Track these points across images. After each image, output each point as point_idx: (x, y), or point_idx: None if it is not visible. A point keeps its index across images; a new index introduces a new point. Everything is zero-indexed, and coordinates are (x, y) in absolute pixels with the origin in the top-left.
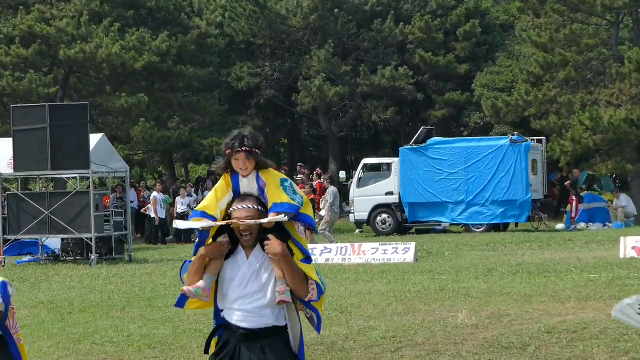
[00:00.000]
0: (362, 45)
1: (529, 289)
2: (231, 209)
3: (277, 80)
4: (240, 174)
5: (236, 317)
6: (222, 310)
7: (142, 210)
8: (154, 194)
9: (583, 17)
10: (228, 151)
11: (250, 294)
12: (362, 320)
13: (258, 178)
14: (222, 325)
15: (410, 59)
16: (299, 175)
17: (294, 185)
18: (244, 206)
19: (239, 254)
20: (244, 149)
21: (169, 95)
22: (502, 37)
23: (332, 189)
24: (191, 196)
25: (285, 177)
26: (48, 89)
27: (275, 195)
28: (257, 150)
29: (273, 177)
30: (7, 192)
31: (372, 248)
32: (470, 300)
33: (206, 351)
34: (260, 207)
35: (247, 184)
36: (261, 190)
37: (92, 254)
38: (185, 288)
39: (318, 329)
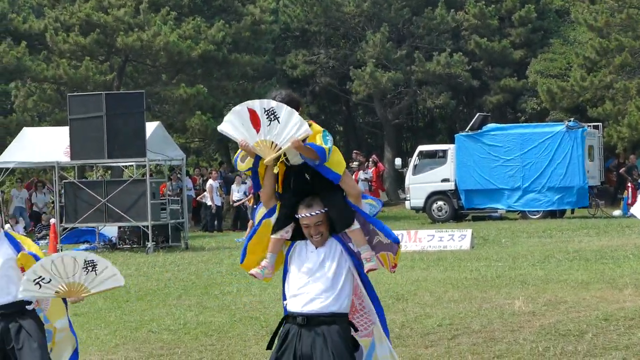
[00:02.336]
0: (416, 31)
1: (585, 275)
2: (299, 215)
3: (332, 67)
4: None
5: (299, 303)
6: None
7: (198, 198)
8: (210, 181)
9: (639, 2)
10: None
11: (316, 280)
12: (418, 307)
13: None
14: (285, 319)
15: (465, 45)
16: (354, 162)
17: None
18: (312, 213)
19: (307, 245)
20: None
21: (224, 83)
22: (557, 22)
23: None
24: (245, 183)
25: (326, 131)
26: (104, 77)
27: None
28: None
29: (315, 131)
30: (63, 181)
31: (428, 235)
32: (526, 287)
33: (269, 346)
34: (325, 210)
35: None
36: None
37: (148, 241)
38: (253, 271)
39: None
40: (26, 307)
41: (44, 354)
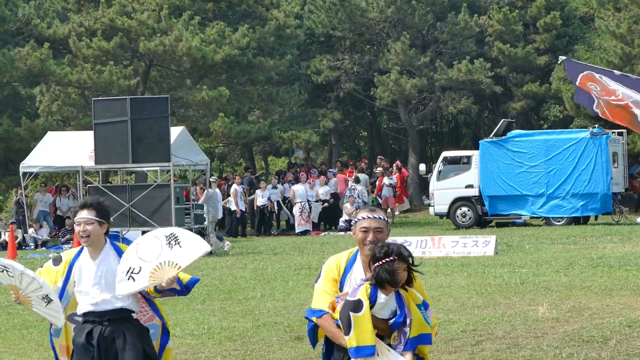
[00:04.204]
0: (440, 37)
1: (609, 282)
2: (358, 218)
3: (357, 73)
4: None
5: None
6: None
7: (222, 203)
8: (234, 186)
9: None
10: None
11: None
12: (442, 313)
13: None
14: None
15: (489, 51)
16: (378, 168)
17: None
18: (375, 216)
19: None
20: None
21: (248, 88)
22: (582, 29)
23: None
24: (276, 188)
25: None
26: (128, 81)
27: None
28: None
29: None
30: (88, 185)
31: (451, 241)
32: (550, 294)
33: None
34: (388, 220)
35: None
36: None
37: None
38: None
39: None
40: (131, 315)
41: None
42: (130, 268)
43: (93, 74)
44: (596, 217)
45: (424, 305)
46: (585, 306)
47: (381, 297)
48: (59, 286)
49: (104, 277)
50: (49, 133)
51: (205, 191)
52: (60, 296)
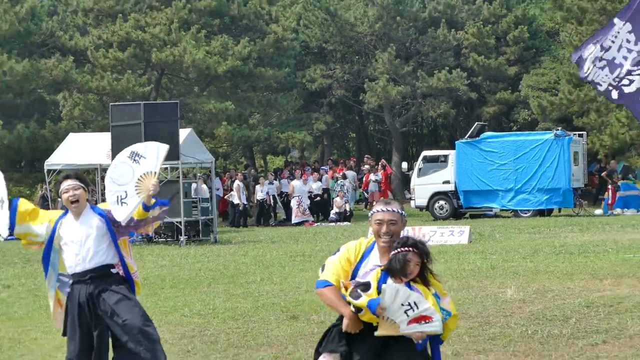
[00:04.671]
0: (421, 49)
1: (570, 267)
2: (373, 211)
3: (347, 81)
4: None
5: None
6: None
7: (225, 197)
8: (237, 182)
9: None
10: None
11: None
12: None
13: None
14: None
15: (465, 62)
16: (365, 166)
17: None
18: (388, 209)
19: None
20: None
21: (250, 95)
22: (548, 42)
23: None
24: (272, 184)
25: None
26: (142, 89)
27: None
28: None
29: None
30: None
31: (430, 231)
32: (517, 277)
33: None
34: (402, 212)
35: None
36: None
37: (181, 236)
38: None
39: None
40: (110, 270)
41: (135, 302)
42: (118, 197)
43: (111, 82)
44: (559, 210)
45: (436, 298)
46: (549, 289)
47: (392, 284)
48: (49, 231)
49: (86, 233)
50: (71, 134)
51: (194, 184)
52: (48, 248)
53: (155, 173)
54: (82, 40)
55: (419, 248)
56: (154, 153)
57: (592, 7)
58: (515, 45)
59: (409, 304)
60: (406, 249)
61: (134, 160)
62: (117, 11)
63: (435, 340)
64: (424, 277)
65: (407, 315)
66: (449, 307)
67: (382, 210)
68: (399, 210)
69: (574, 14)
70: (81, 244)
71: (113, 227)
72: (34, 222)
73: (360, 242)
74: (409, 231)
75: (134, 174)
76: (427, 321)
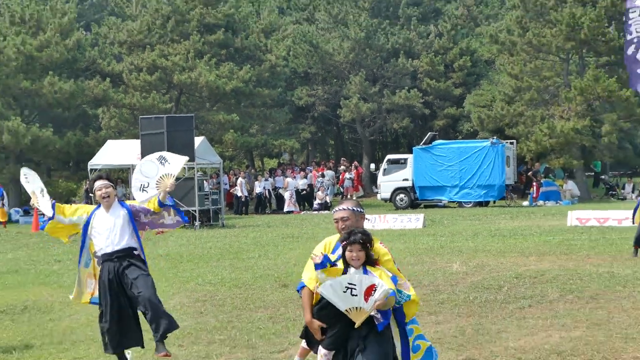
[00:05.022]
0: (386, 74)
1: (503, 247)
2: (333, 211)
3: (326, 99)
4: (353, 264)
5: None
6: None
7: (230, 191)
8: (240, 179)
9: (543, 55)
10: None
11: None
12: None
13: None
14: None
15: (420, 84)
16: (341, 166)
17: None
18: (342, 207)
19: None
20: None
21: (250, 109)
22: (486, 69)
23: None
24: (267, 180)
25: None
26: (165, 105)
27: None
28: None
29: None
30: None
31: (392, 218)
32: (461, 255)
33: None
34: (356, 209)
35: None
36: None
37: (196, 221)
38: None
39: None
40: (133, 252)
41: (151, 280)
42: (141, 185)
43: (140, 99)
44: (494, 202)
45: (392, 279)
46: (486, 263)
47: (351, 270)
48: (80, 222)
49: (114, 222)
50: (109, 141)
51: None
52: (84, 234)
53: (173, 175)
54: (118, 66)
55: (356, 240)
56: (176, 161)
57: (521, 41)
58: (460, 71)
59: (347, 287)
60: (348, 241)
61: (161, 162)
62: (146, 43)
63: (401, 323)
64: (370, 259)
65: (357, 295)
66: (409, 291)
67: (337, 210)
68: (352, 208)
69: (506, 46)
70: (110, 231)
71: (135, 220)
72: (63, 215)
73: (331, 239)
74: (376, 218)
75: (158, 172)
76: (375, 289)
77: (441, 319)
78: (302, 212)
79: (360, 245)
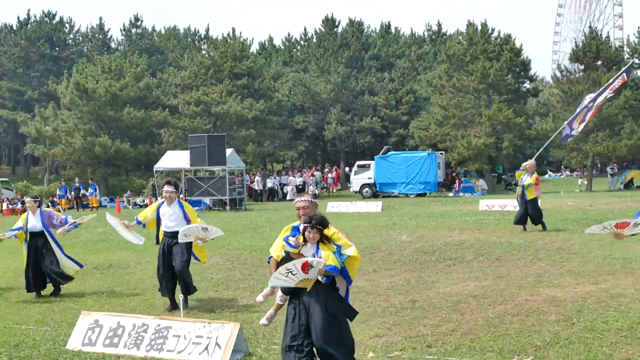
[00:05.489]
0: (356, 107)
1: (435, 224)
2: (294, 201)
3: (315, 124)
4: (309, 241)
5: None
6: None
7: (250, 185)
8: (257, 177)
9: (462, 94)
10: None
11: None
12: (356, 238)
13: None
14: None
15: (379, 113)
16: (326, 169)
17: (342, 250)
18: (301, 199)
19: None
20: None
21: (263, 130)
22: (424, 103)
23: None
24: (276, 178)
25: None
26: (206, 126)
27: (329, 257)
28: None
29: (329, 248)
30: (187, 177)
31: (360, 204)
32: (407, 229)
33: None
34: (313, 200)
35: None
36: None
37: (227, 206)
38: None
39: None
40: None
41: (186, 255)
42: (188, 234)
43: (189, 123)
44: (430, 194)
45: (337, 250)
46: (425, 235)
47: (307, 245)
48: (154, 216)
49: (173, 212)
50: (168, 152)
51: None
52: (158, 220)
53: (206, 239)
54: (174, 100)
55: (313, 224)
56: (215, 232)
57: (447, 84)
58: (406, 105)
59: (286, 271)
60: (306, 224)
61: (205, 229)
62: (193, 85)
63: (347, 281)
64: (322, 237)
65: (296, 273)
66: (349, 253)
67: (297, 200)
68: (309, 199)
69: (437, 88)
70: (169, 218)
71: (186, 215)
72: (147, 217)
73: (291, 225)
74: (349, 205)
75: (199, 233)
76: (310, 264)
77: (394, 273)
78: None
79: (316, 229)
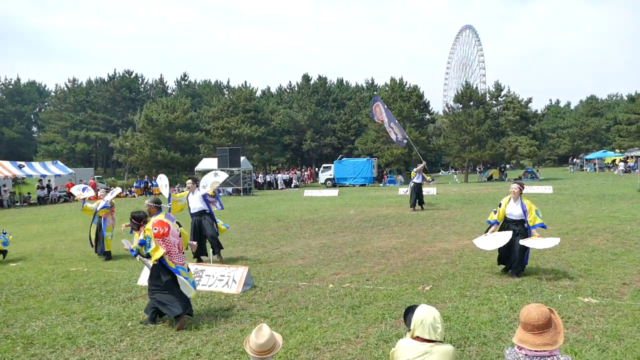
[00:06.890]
0: (323, 130)
1: (372, 203)
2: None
3: (297, 141)
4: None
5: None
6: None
7: (255, 179)
8: (260, 174)
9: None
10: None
11: None
12: (322, 212)
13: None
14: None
15: (337, 134)
16: (303, 169)
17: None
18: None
19: None
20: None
21: (264, 145)
22: (363, 129)
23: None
24: (272, 175)
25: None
26: (227, 142)
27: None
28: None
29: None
30: None
31: (325, 191)
32: (355, 207)
33: None
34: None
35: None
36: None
37: (240, 192)
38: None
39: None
40: (205, 211)
41: (214, 227)
42: (204, 184)
43: (217, 140)
44: (368, 185)
45: (140, 241)
46: (366, 210)
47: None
48: (186, 199)
49: (198, 198)
50: (204, 159)
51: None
52: (188, 204)
53: (219, 183)
54: (207, 126)
55: (139, 219)
56: (222, 176)
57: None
58: (353, 129)
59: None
60: (139, 215)
61: (215, 174)
62: (219, 116)
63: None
64: (138, 228)
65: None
66: (151, 247)
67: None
68: (149, 203)
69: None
70: (194, 201)
71: (207, 199)
72: (177, 207)
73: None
74: (319, 192)
75: (213, 179)
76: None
77: (345, 234)
78: (286, 189)
79: (136, 224)
